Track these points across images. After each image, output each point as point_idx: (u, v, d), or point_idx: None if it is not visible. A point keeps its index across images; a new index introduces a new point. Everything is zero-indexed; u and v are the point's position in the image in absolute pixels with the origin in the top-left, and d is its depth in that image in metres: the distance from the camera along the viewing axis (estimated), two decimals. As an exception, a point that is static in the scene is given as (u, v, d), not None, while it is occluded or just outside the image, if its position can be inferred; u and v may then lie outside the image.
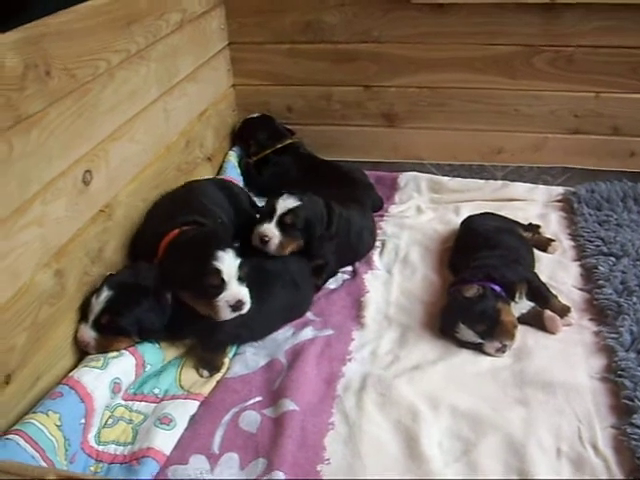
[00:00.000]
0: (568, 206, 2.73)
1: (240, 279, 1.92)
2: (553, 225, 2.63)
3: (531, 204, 2.77)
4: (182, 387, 1.93)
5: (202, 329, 1.97)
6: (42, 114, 1.68)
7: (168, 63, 2.37)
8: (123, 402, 1.86)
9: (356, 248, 2.48)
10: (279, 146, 2.90)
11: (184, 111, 2.53)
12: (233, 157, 2.94)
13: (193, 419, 1.82)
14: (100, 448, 1.72)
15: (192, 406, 1.86)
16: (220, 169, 2.88)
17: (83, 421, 1.69)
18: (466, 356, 2.00)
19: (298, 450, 1.69)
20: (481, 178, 2.95)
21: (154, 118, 2.29)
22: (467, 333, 1.99)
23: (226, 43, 2.90)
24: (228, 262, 1.89)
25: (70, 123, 1.80)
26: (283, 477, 1.61)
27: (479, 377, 1.92)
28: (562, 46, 2.68)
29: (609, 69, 2.69)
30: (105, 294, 1.87)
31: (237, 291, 1.90)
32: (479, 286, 2.04)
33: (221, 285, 1.88)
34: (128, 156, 2.12)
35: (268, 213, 2.23)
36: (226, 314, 1.90)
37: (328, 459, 1.68)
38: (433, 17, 2.71)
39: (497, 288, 2.05)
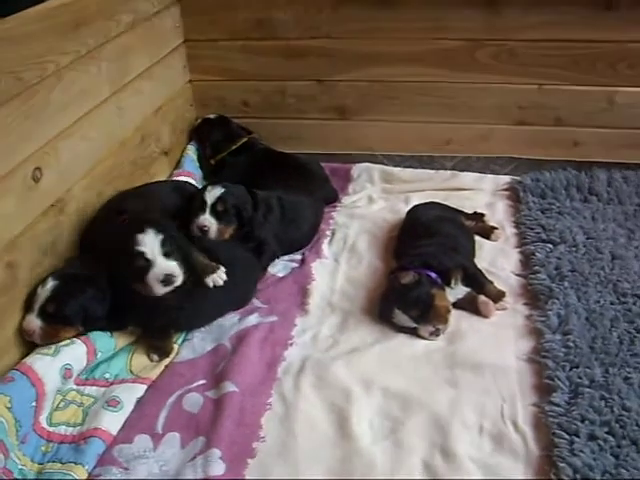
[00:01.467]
0: (514, 195, 2.82)
1: (166, 255, 2.01)
2: (499, 213, 2.73)
3: (479, 193, 2.87)
4: (132, 372, 2.03)
5: (142, 317, 2.07)
6: (-15, 117, 1.78)
7: (120, 62, 2.45)
8: (75, 386, 1.95)
9: (295, 236, 2.58)
10: (234, 147, 2.97)
11: (139, 107, 2.62)
12: (191, 151, 3.03)
13: (140, 401, 1.92)
14: (51, 429, 1.82)
15: (140, 389, 1.96)
16: (178, 163, 2.97)
17: (34, 404, 1.78)
18: (402, 339, 2.09)
19: (235, 429, 1.79)
20: (431, 168, 3.04)
21: (106, 115, 2.37)
22: (402, 318, 2.09)
23: (181, 40, 2.98)
24: (149, 242, 1.99)
25: (17, 124, 1.89)
26: (219, 454, 1.71)
27: (413, 359, 2.01)
28: (504, 40, 2.76)
29: (550, 62, 2.77)
30: (50, 284, 1.94)
31: (164, 266, 1.99)
32: (415, 273, 2.13)
33: (147, 264, 1.98)
34: (80, 153, 2.21)
35: (200, 205, 2.38)
36: (159, 289, 1.99)
37: (264, 437, 1.78)
38: (380, 13, 2.78)
39: (433, 275, 2.15)
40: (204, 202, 2.38)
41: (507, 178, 2.95)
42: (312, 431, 1.79)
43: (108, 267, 2.03)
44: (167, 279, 1.99)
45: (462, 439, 1.74)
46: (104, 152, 2.37)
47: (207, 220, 2.37)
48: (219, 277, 2.15)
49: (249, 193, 2.48)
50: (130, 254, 1.97)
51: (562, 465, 1.60)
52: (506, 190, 2.88)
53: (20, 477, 1.67)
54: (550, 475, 1.60)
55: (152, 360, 2.06)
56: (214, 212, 2.37)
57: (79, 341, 1.97)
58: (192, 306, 2.13)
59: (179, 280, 2.02)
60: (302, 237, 2.62)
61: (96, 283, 2.00)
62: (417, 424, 1.79)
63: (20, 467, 1.69)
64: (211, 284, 2.13)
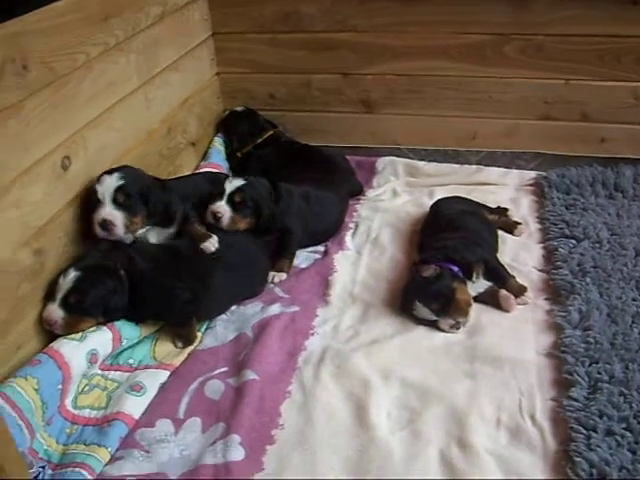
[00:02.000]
0: (539, 190, 2.82)
1: (115, 202, 2.06)
2: (524, 208, 2.73)
3: (504, 188, 2.87)
4: (155, 359, 2.07)
5: (159, 309, 2.10)
6: (19, 105, 1.82)
7: (149, 54, 2.49)
8: (100, 371, 2.00)
9: (319, 229, 2.60)
10: (259, 141, 3.01)
11: (166, 99, 2.66)
12: (218, 143, 3.07)
13: (163, 387, 1.96)
14: (76, 412, 1.87)
15: (163, 375, 2.00)
16: (205, 155, 3.00)
17: (60, 387, 1.82)
18: (422, 332, 2.11)
19: (255, 415, 1.83)
20: (456, 163, 3.04)
21: (134, 106, 2.41)
22: (423, 311, 2.11)
23: (210, 33, 3.01)
24: (106, 183, 2.06)
25: (48, 113, 1.94)
26: (239, 439, 1.75)
27: (433, 352, 2.03)
28: (532, 35, 2.75)
29: (577, 57, 2.75)
30: (72, 274, 1.97)
31: (105, 211, 2.05)
32: (437, 266, 2.15)
33: (97, 204, 2.04)
34: (107, 142, 2.25)
35: (219, 194, 2.40)
36: (98, 231, 2.05)
37: (282, 424, 1.81)
38: (407, 7, 2.79)
39: (455, 268, 2.17)
40: (223, 191, 2.41)
41: (532, 173, 2.94)
42: (330, 420, 1.82)
43: None
44: (103, 224, 2.04)
45: (479, 431, 1.75)
46: (131, 142, 2.41)
47: (221, 207, 2.39)
48: (211, 244, 2.20)
49: (272, 185, 2.50)
50: (90, 189, 2.06)
51: (578, 460, 1.60)
52: (531, 185, 2.88)
53: (45, 457, 1.72)
54: (566, 469, 1.61)
55: (177, 347, 2.10)
56: (230, 201, 2.40)
57: (105, 328, 2.01)
58: (207, 295, 2.16)
59: (117, 231, 2.06)
60: (326, 230, 2.64)
61: (116, 275, 2.03)
62: (434, 415, 1.81)
63: (45, 447, 1.75)
64: (206, 249, 2.18)
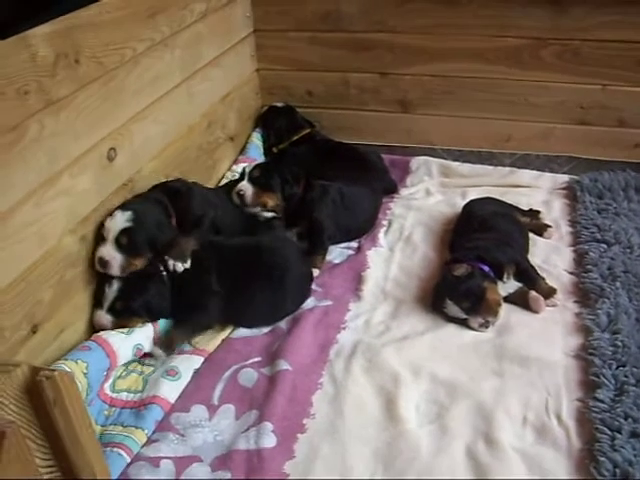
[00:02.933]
0: (571, 194, 2.82)
1: (118, 243, 2.04)
2: (555, 211, 2.74)
3: (536, 191, 2.88)
4: (189, 343, 2.12)
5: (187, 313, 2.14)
6: (71, 97, 1.89)
7: (192, 50, 2.55)
8: (138, 359, 2.06)
9: (352, 225, 2.65)
10: (295, 138, 3.06)
11: (207, 94, 2.71)
12: (256, 138, 3.12)
13: (197, 373, 2.03)
14: (114, 395, 1.94)
15: (197, 361, 2.06)
16: (243, 149, 3.06)
17: (106, 373, 1.90)
18: (452, 330, 2.15)
19: (287, 405, 1.88)
20: (490, 164, 3.06)
21: (177, 101, 2.47)
22: (453, 309, 2.15)
23: (251, 30, 3.06)
24: (115, 222, 2.05)
25: (97, 106, 2.01)
26: (271, 427, 1.80)
27: (462, 349, 2.07)
28: (569, 39, 2.75)
29: (615, 62, 2.74)
30: (117, 285, 2.05)
31: (103, 250, 2.04)
32: (468, 266, 2.18)
33: (102, 239, 2.05)
34: (151, 135, 2.31)
35: (240, 176, 2.52)
36: (96, 266, 2.05)
37: (314, 414, 1.86)
38: (446, 9, 2.81)
39: (486, 268, 2.20)
40: (244, 172, 2.52)
41: (565, 177, 2.94)
42: (360, 412, 1.86)
43: None
44: (100, 262, 2.04)
45: (505, 428, 1.78)
46: (173, 136, 2.47)
47: (243, 185, 2.48)
48: (175, 265, 2.13)
49: (306, 180, 2.58)
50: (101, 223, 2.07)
51: (602, 459, 1.63)
52: (563, 189, 2.88)
53: (85, 437, 1.79)
54: (590, 468, 1.64)
55: (155, 353, 2.08)
56: (252, 179, 2.49)
57: (149, 323, 2.08)
58: (236, 311, 2.19)
59: (112, 271, 2.04)
60: (359, 226, 2.68)
61: (158, 280, 2.11)
62: (462, 411, 1.85)
63: (85, 428, 1.82)
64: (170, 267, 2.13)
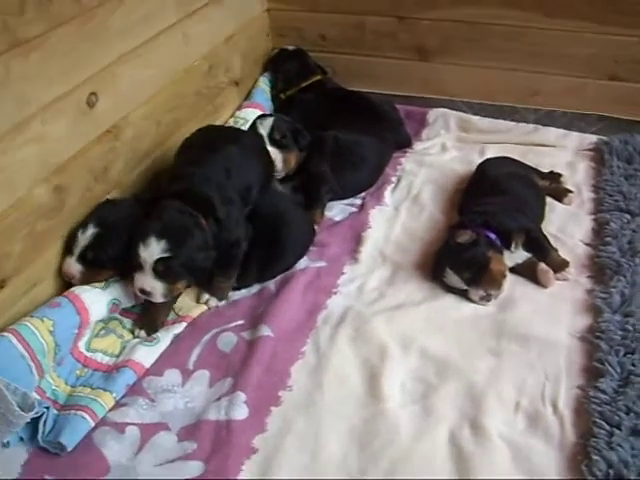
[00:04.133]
0: (598, 156, 2.62)
1: (156, 272, 1.87)
2: (579, 175, 2.55)
3: (561, 151, 2.68)
4: (173, 310, 2.04)
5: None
6: (43, 38, 1.77)
7: (189, -15, 2.38)
8: (118, 316, 1.99)
9: (352, 177, 2.51)
10: (305, 84, 2.89)
11: (207, 35, 2.55)
12: (263, 83, 2.97)
13: (177, 337, 1.94)
14: (88, 354, 1.86)
15: (178, 327, 1.97)
16: (249, 94, 2.91)
17: (76, 331, 1.82)
18: (450, 301, 2.02)
19: (264, 374, 1.79)
20: (512, 120, 2.86)
21: (171, 42, 2.32)
22: (453, 278, 2.01)
23: (260, -34, 2.88)
24: (150, 250, 1.84)
25: (73, 47, 1.88)
26: (244, 398, 1.72)
27: (458, 323, 1.94)
28: (605, -16, 2.52)
29: (656, 13, 2.51)
30: (91, 231, 1.93)
31: (142, 280, 1.88)
32: (473, 232, 2.03)
33: (139, 267, 1.88)
34: (140, 79, 2.18)
35: (250, 128, 2.44)
36: (136, 291, 1.91)
37: (291, 386, 1.77)
38: (473, -52, 2.59)
39: (492, 236, 2.05)
40: (254, 125, 2.41)
41: (593, 137, 2.73)
42: (341, 386, 1.76)
43: None
44: (140, 292, 1.90)
45: (495, 414, 1.66)
46: (166, 80, 2.33)
47: (272, 153, 2.35)
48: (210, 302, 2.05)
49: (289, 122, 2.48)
50: (134, 246, 1.87)
51: (596, 458, 1.50)
52: (590, 150, 2.67)
53: (52, 397, 1.72)
54: (582, 466, 1.50)
55: (201, 301, 2.05)
56: (275, 143, 2.36)
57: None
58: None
59: (155, 299, 1.90)
60: (360, 179, 2.54)
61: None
62: (450, 392, 1.73)
63: (53, 388, 1.75)
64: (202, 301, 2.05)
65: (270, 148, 2.36)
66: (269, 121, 2.41)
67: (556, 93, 2.79)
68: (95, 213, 2.01)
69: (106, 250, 1.94)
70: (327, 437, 1.63)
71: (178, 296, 2.04)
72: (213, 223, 1.96)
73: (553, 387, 1.72)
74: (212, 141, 2.20)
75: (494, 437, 1.60)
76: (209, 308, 2.04)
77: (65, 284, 1.95)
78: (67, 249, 1.97)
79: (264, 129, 2.39)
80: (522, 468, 1.54)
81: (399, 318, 1.96)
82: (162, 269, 1.87)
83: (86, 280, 1.94)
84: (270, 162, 2.35)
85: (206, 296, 2.05)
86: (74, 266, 1.95)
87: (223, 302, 2.06)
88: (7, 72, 1.66)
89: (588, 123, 2.78)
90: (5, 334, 1.66)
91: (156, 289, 1.89)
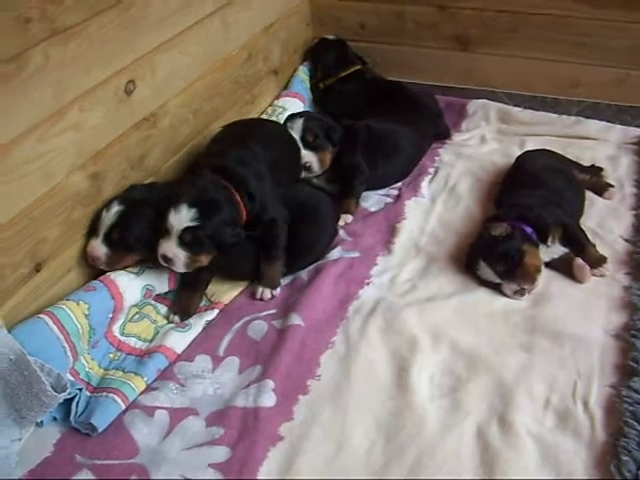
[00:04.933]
0: (642, 151, 2.56)
1: (181, 240, 1.86)
2: (621, 169, 2.49)
3: (603, 144, 2.63)
4: (206, 296, 2.07)
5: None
6: (82, 26, 1.79)
7: (229, -24, 2.39)
8: (152, 302, 2.02)
9: (386, 167, 2.49)
10: (344, 74, 2.88)
11: (247, 24, 2.55)
12: (302, 72, 2.96)
13: (209, 324, 1.96)
14: (122, 338, 1.90)
15: (210, 314, 1.99)
16: (287, 84, 2.90)
17: (111, 315, 1.85)
18: (483, 294, 2.00)
19: (293, 363, 1.80)
20: (554, 112, 2.80)
21: (210, 31, 2.33)
22: (487, 272, 1.98)
23: (302, -44, 2.88)
24: (180, 217, 1.84)
25: (113, 35, 1.90)
26: (272, 385, 1.73)
27: (490, 317, 1.92)
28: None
29: None
30: (115, 209, 1.93)
31: (167, 247, 1.87)
32: (509, 225, 2.01)
33: (165, 233, 1.87)
34: (178, 67, 2.19)
35: (286, 122, 2.44)
36: (158, 257, 1.91)
37: (319, 375, 1.77)
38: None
39: (528, 229, 2.02)
40: (288, 123, 2.41)
41: (637, 131, 2.67)
42: (369, 377, 1.76)
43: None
44: (162, 258, 1.89)
45: (524, 410, 1.64)
46: (204, 69, 2.34)
47: (307, 156, 2.36)
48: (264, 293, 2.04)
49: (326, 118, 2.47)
50: (161, 218, 1.88)
51: (626, 459, 1.48)
52: (634, 144, 2.61)
53: (85, 379, 1.76)
54: (610, 466, 1.48)
55: (257, 296, 2.04)
56: (307, 144, 2.36)
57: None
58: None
59: (175, 268, 1.90)
60: (394, 168, 2.52)
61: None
62: (480, 386, 1.71)
63: (87, 370, 1.79)
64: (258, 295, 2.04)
65: (304, 152, 2.37)
66: (299, 123, 2.40)
67: (599, 85, 2.74)
68: (121, 193, 2.02)
69: (132, 229, 1.92)
70: (353, 428, 1.63)
71: (208, 283, 2.06)
72: (247, 199, 1.97)
73: (585, 385, 1.69)
74: (249, 128, 2.26)
75: (522, 433, 1.58)
76: (264, 299, 2.03)
77: (99, 270, 1.95)
78: (92, 231, 1.96)
79: (296, 132, 2.38)
80: (549, 466, 1.52)
81: (430, 310, 1.94)
82: (188, 238, 1.87)
83: (112, 264, 1.93)
84: (298, 155, 2.37)
85: (260, 289, 2.04)
86: (99, 248, 1.93)
87: (278, 290, 2.06)
88: (46, 60, 1.69)
89: (632, 116, 2.72)
90: (41, 316, 1.70)
91: (178, 257, 1.88)
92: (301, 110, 2.72)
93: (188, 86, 2.26)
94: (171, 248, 1.87)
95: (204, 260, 1.93)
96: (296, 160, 2.36)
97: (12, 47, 1.60)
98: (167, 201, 1.88)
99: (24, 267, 1.75)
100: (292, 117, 2.45)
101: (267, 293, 2.03)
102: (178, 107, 2.23)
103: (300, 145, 2.35)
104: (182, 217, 1.85)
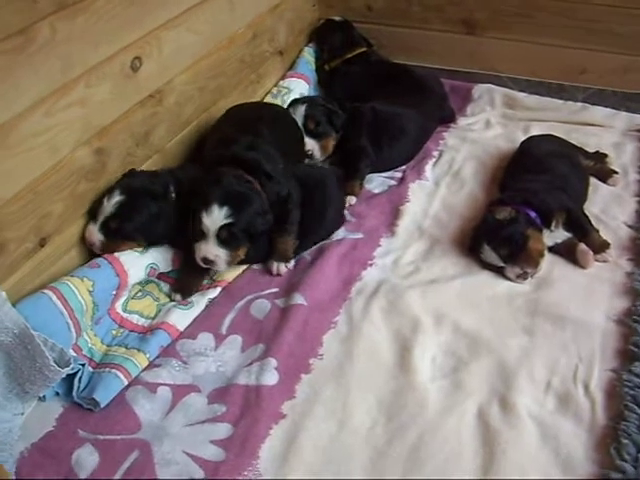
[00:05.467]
0: (647, 137, 2.56)
1: (219, 239, 1.89)
2: (626, 156, 2.50)
3: (608, 131, 2.63)
4: (209, 274, 2.05)
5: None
6: (89, 1, 1.78)
7: (236, -46, 2.37)
8: (155, 280, 2.02)
9: (391, 149, 2.49)
10: (349, 56, 2.86)
11: (253, 3, 2.54)
12: (308, 53, 2.95)
13: (211, 302, 1.96)
14: (125, 315, 1.90)
15: (213, 292, 1.99)
16: (293, 64, 2.90)
17: (114, 293, 1.86)
18: (486, 278, 2.00)
19: (296, 342, 1.81)
20: (560, 98, 2.81)
21: (216, 9, 2.32)
22: (490, 255, 1.99)
23: None
24: (213, 217, 1.87)
25: (120, 10, 1.89)
26: (275, 364, 1.73)
27: (492, 300, 1.92)
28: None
29: None
30: (116, 198, 1.92)
31: (206, 249, 1.90)
32: (513, 209, 2.01)
33: (202, 235, 1.89)
34: (184, 45, 2.18)
35: (290, 107, 2.44)
36: (198, 261, 1.92)
37: (322, 354, 1.77)
38: None
39: (532, 214, 2.03)
40: (293, 110, 2.41)
41: (643, 118, 2.67)
42: (371, 357, 1.76)
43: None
44: (203, 260, 1.91)
45: (525, 392, 1.65)
46: (210, 47, 2.33)
47: (310, 144, 2.37)
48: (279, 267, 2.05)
49: (339, 104, 2.47)
50: (194, 215, 1.90)
51: (625, 442, 1.49)
52: (639, 131, 2.61)
53: (88, 355, 1.76)
54: (610, 449, 1.49)
55: (274, 272, 2.04)
56: (309, 132, 2.36)
57: (168, 246, 2.02)
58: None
59: (217, 268, 1.94)
60: (399, 150, 2.52)
61: (164, 199, 1.98)
62: (481, 367, 1.72)
63: (90, 346, 1.79)
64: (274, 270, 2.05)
65: (306, 139, 2.38)
66: (301, 110, 2.41)
67: (606, 71, 2.73)
68: (124, 181, 1.99)
69: (130, 221, 1.92)
70: (355, 407, 1.64)
71: None
72: (265, 181, 1.99)
73: (586, 368, 1.70)
74: (254, 112, 2.26)
75: (523, 415, 1.59)
76: (281, 274, 2.04)
77: (103, 247, 1.98)
78: (92, 215, 1.95)
79: (298, 119, 2.39)
80: (549, 447, 1.53)
81: (433, 292, 1.95)
82: (225, 236, 1.90)
83: (107, 250, 1.92)
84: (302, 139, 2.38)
85: (275, 264, 2.04)
86: (95, 234, 1.93)
87: (292, 263, 2.07)
88: (53, 33, 1.68)
89: (638, 103, 2.71)
90: (45, 291, 1.70)
91: (220, 257, 1.92)
92: (305, 94, 2.71)
93: (194, 64, 2.25)
94: (211, 249, 1.90)
95: (241, 254, 1.97)
96: (300, 143, 2.37)
97: (20, 20, 1.59)
98: (194, 203, 1.90)
99: (29, 242, 1.75)
100: (295, 103, 2.45)
101: (282, 267, 2.04)
102: (184, 84, 2.22)
103: (302, 132, 2.36)
104: (215, 217, 1.88)
